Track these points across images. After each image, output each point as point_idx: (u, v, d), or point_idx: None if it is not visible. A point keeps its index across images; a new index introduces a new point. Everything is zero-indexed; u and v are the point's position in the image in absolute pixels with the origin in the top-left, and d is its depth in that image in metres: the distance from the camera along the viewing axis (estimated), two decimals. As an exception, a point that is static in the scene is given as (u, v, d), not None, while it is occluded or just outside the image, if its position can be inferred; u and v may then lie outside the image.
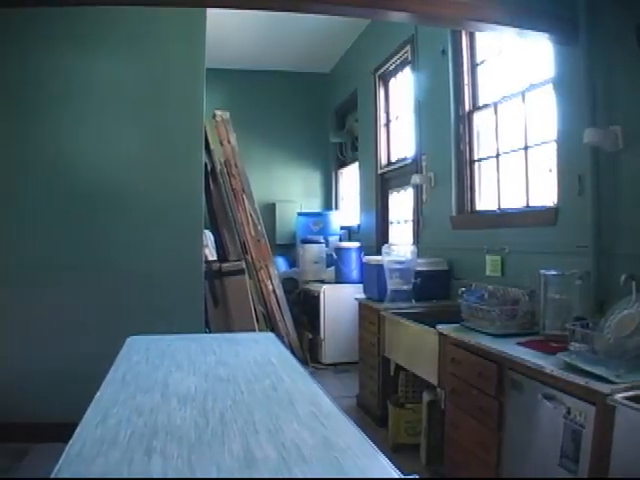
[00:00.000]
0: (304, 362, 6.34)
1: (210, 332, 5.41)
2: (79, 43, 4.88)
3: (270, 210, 9.27)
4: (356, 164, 8.39)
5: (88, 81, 4.87)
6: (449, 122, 5.15)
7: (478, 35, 4.96)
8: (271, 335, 3.28)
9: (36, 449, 4.63)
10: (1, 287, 4.82)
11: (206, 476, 1.35)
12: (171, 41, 4.92)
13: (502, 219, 4.42)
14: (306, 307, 7.44)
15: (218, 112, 6.69)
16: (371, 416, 5.00)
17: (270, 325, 6.36)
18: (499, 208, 4.56)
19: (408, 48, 6.20)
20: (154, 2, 3.76)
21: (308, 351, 6.99)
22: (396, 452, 4.20)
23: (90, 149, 4.86)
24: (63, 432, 4.26)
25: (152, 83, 4.91)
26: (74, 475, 1.38)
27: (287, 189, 9.58)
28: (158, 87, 4.91)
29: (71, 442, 1.58)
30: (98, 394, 2.03)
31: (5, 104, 4.88)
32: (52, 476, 1.37)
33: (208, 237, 6.26)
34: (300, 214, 8.94)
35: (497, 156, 4.63)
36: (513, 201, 4.39)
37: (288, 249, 9.15)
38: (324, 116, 9.63)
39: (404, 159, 6.44)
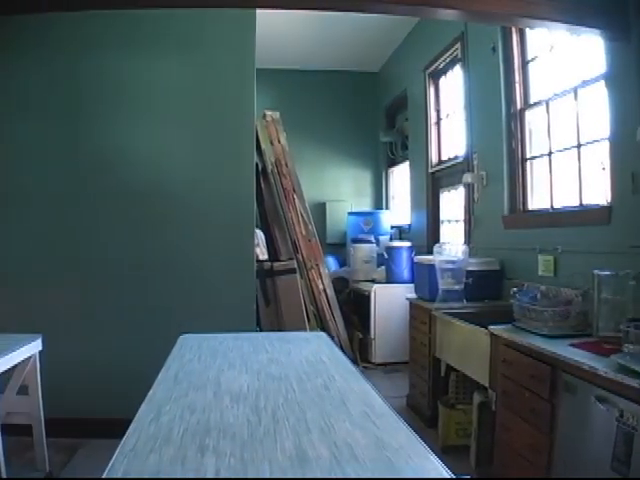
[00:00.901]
0: (354, 361, 6.34)
1: (261, 331, 5.44)
2: (134, 46, 4.95)
3: (320, 209, 9.29)
4: (406, 163, 8.35)
5: (142, 83, 4.94)
6: (500, 120, 5.09)
7: (528, 31, 4.89)
8: (322, 334, 3.28)
9: (88, 444, 4.72)
10: (60, 287, 4.92)
11: (259, 473, 1.36)
12: (222, 42, 4.95)
13: (554, 218, 4.35)
14: (356, 306, 7.43)
15: (268, 112, 6.72)
16: (421, 417, 4.98)
17: (320, 324, 6.37)
18: (552, 207, 4.50)
19: (458, 46, 6.15)
20: (206, 3, 3.78)
21: (358, 351, 6.98)
22: (445, 453, 4.17)
23: (144, 151, 4.93)
24: (114, 428, 4.33)
25: (204, 84, 4.95)
26: (128, 470, 1.41)
27: (337, 188, 9.58)
28: (210, 88, 4.95)
29: (125, 438, 1.62)
30: (151, 392, 2.06)
31: (63, 106, 4.98)
32: (106, 470, 1.41)
33: (259, 236, 6.29)
34: (351, 213, 8.93)
35: (549, 154, 4.56)
36: (566, 200, 4.33)
37: (338, 248, 9.15)
38: (374, 115, 9.60)
39: (455, 158, 6.39)
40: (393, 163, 9.24)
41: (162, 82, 4.95)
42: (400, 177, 9.00)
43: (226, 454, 1.47)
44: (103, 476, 1.39)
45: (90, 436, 4.78)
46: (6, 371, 3.44)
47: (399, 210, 8.88)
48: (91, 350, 4.88)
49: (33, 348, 3.82)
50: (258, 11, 4.92)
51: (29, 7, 3.30)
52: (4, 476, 3.35)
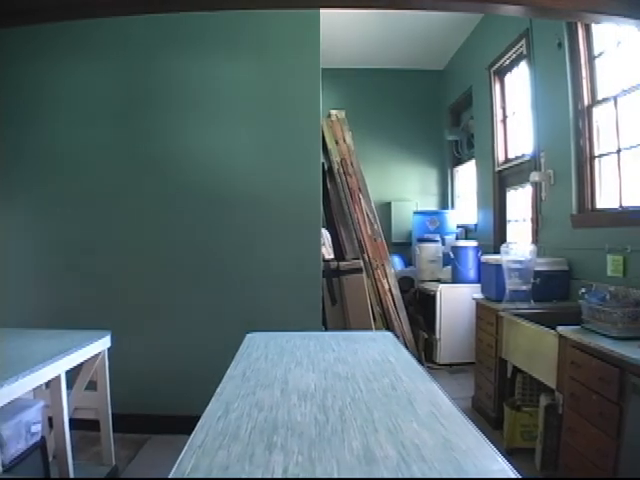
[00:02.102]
0: (419, 362, 6.31)
1: (327, 330, 5.46)
2: (201, 48, 5.04)
3: (386, 209, 9.27)
4: (472, 162, 8.27)
5: (209, 84, 5.02)
6: (567, 117, 5.01)
7: (595, 26, 4.80)
8: (389, 334, 3.28)
9: (153, 440, 4.82)
10: (129, 285, 5.03)
11: (326, 472, 1.38)
12: (287, 43, 4.99)
13: (624, 217, 4.26)
14: (422, 306, 7.39)
15: (333, 112, 6.74)
16: (486, 418, 4.94)
17: (386, 324, 6.36)
18: (620, 206, 4.41)
19: (523, 42, 6.07)
20: (273, 5, 3.80)
21: (423, 351, 6.95)
22: (510, 456, 4.13)
23: (212, 152, 5.01)
24: (179, 424, 4.43)
25: (270, 85, 5.01)
26: (196, 465, 1.44)
27: (403, 187, 9.54)
28: (276, 89, 5.00)
29: (193, 434, 1.65)
30: (219, 389, 2.10)
31: (133, 107, 5.09)
32: (175, 466, 1.46)
33: (325, 236, 6.32)
34: (416, 212, 8.88)
35: (618, 151, 4.47)
36: (635, 199, 4.24)
37: (404, 248, 9.11)
38: (439, 113, 9.53)
39: (522, 156, 6.30)
40: (459, 162, 9.15)
41: (229, 83, 5.02)
42: (466, 176, 8.91)
43: (294, 452, 1.49)
44: (172, 472, 1.43)
45: (155, 432, 4.89)
46: (75, 367, 3.54)
47: (465, 209, 8.79)
48: (158, 348, 4.99)
49: (102, 345, 3.91)
50: (322, 11, 4.94)
51: (86, 13, 3.38)
52: (71, 469, 3.43)
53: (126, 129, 5.11)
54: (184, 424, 4.48)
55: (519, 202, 6.66)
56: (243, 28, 4.98)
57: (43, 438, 3.60)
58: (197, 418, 1.81)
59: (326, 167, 6.26)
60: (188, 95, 5.05)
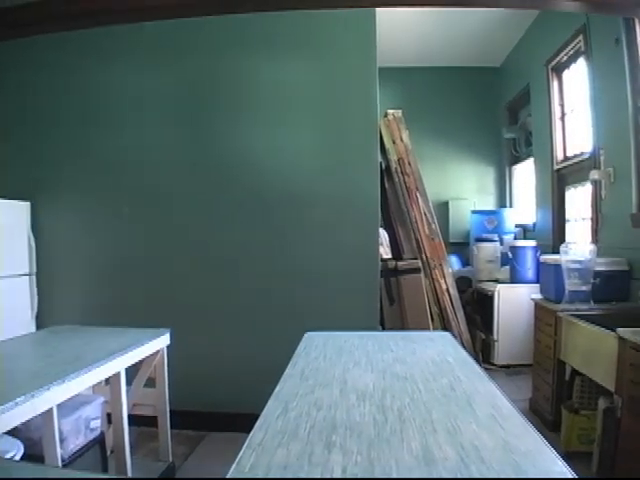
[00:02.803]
0: (477, 362, 6.26)
1: (384, 330, 5.45)
2: (258, 49, 5.07)
3: (443, 208, 9.20)
4: (530, 160, 8.17)
5: (264, 84, 5.05)
6: (627, 114, 4.92)
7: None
8: (447, 334, 3.26)
9: (210, 437, 4.88)
10: (189, 284, 5.10)
11: (385, 473, 1.38)
12: (344, 42, 4.99)
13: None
14: (479, 307, 7.33)
15: (390, 110, 6.72)
16: (543, 421, 4.87)
17: (443, 324, 6.33)
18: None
19: (580, 38, 5.96)
20: (327, 4, 3.81)
21: (480, 351, 6.89)
22: (567, 459, 4.06)
23: (268, 151, 5.04)
24: (235, 422, 4.46)
25: (326, 85, 5.02)
26: (255, 463, 1.45)
27: (460, 186, 9.46)
28: (332, 89, 5.01)
29: (253, 432, 1.66)
30: (278, 387, 2.11)
31: (191, 109, 5.16)
32: (234, 463, 1.47)
33: (383, 235, 6.31)
34: (474, 212, 8.81)
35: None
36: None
37: (461, 247, 9.04)
38: (496, 111, 9.42)
39: (581, 154, 6.21)
40: (517, 160, 9.04)
41: (286, 83, 5.04)
42: (524, 174, 8.80)
43: (353, 452, 1.49)
44: (231, 469, 1.44)
45: (212, 429, 4.96)
46: (135, 364, 3.60)
47: (523, 208, 8.68)
48: (217, 346, 5.05)
49: (161, 342, 3.98)
50: (378, 10, 4.93)
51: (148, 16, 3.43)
52: (128, 465, 3.48)
53: (186, 130, 5.19)
54: (240, 422, 4.51)
55: (578, 201, 6.55)
56: (301, 29, 5.00)
57: (102, 433, 3.68)
58: (253, 416, 1.82)
59: (384, 166, 6.25)
60: (247, 97, 5.10)
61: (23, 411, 2.33)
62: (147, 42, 5.23)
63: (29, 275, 5.43)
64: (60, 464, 2.88)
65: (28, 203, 5.45)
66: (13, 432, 2.74)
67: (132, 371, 3.72)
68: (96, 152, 5.38)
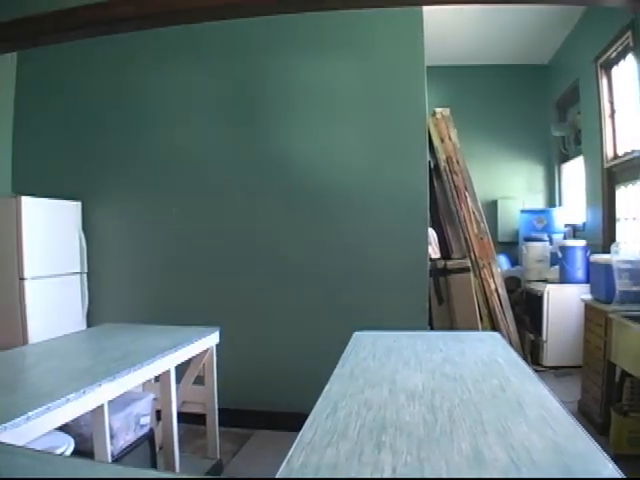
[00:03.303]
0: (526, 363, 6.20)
1: (433, 329, 5.43)
2: (306, 48, 5.10)
3: (492, 207, 9.12)
4: (580, 158, 8.05)
5: (312, 84, 5.07)
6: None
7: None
8: (496, 334, 3.24)
9: (257, 435, 4.91)
10: (239, 284, 5.14)
11: (434, 473, 1.37)
12: (391, 41, 4.98)
13: None
14: (528, 307, 7.26)
15: (438, 109, 6.69)
16: (592, 423, 4.79)
17: (492, 324, 6.27)
18: None
19: (629, 34, 5.85)
20: (374, 4, 3.79)
21: (529, 352, 6.82)
22: (616, 462, 4.00)
23: (316, 151, 5.06)
24: (283, 421, 4.48)
25: (374, 84, 5.01)
26: (305, 462, 1.46)
27: (509, 185, 9.36)
28: (380, 88, 5.00)
29: (302, 431, 1.67)
30: (327, 387, 2.12)
31: (241, 107, 5.20)
32: (284, 462, 1.47)
33: (431, 235, 6.28)
34: (523, 211, 8.72)
35: None
36: None
37: (510, 247, 8.95)
38: (544, 109, 9.29)
39: (632, 152, 6.10)
40: (566, 158, 8.92)
41: (333, 83, 5.05)
42: (574, 173, 8.68)
43: (403, 452, 1.49)
44: (281, 468, 1.45)
45: (259, 427, 4.99)
46: (184, 362, 3.64)
47: (573, 207, 8.56)
48: (266, 345, 5.08)
49: (211, 341, 4.02)
50: (425, 8, 4.91)
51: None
52: (177, 461, 3.52)
53: (234, 130, 5.24)
54: (288, 421, 4.53)
55: (629, 200, 6.44)
56: (348, 28, 5.00)
57: (151, 430, 3.72)
58: (300, 415, 1.83)
59: (432, 165, 6.22)
60: (295, 96, 5.12)
61: (74, 407, 2.37)
62: (195, 43, 5.28)
63: (80, 274, 5.53)
64: (110, 460, 2.92)
65: (79, 203, 5.54)
66: (64, 428, 2.78)
67: (181, 369, 3.76)
68: (145, 152, 5.46)
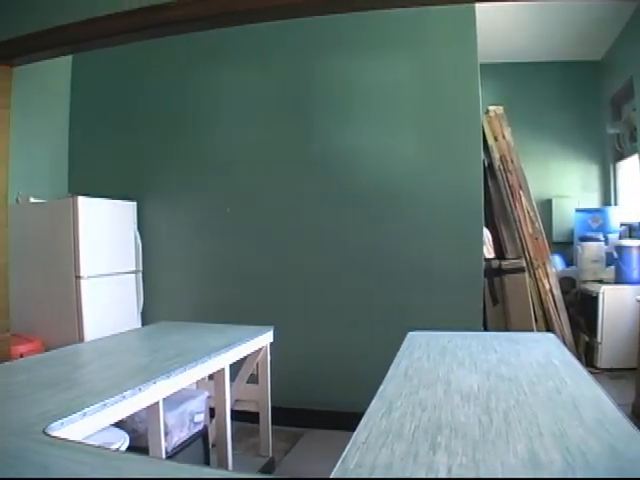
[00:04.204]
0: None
1: (486, 330, 5.39)
2: (358, 47, 5.11)
3: (546, 206, 9.00)
4: (635, 156, 7.90)
5: (364, 84, 5.07)
6: None
7: None
8: (551, 336, 3.19)
9: (309, 434, 4.92)
10: (292, 283, 5.17)
11: (489, 475, 1.36)
12: (443, 39, 4.95)
13: None
14: (583, 308, 7.15)
15: (491, 107, 6.63)
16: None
17: (546, 325, 6.20)
18: None
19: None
20: (425, 2, 3.77)
21: (584, 354, 6.72)
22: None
23: (368, 150, 5.05)
24: (335, 420, 4.47)
25: (427, 82, 4.99)
26: (360, 462, 1.45)
27: (563, 184, 9.22)
28: (433, 86, 4.98)
29: (357, 431, 1.67)
30: (382, 387, 2.12)
31: (293, 107, 5.24)
32: (339, 461, 1.46)
33: (485, 234, 6.23)
34: (578, 210, 8.58)
35: None
36: None
37: (565, 247, 8.83)
38: (598, 106, 9.14)
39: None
40: (621, 156, 8.76)
41: (386, 83, 5.04)
42: (629, 171, 8.52)
43: (458, 453, 1.48)
44: (336, 467, 1.44)
45: (311, 426, 5.00)
46: (238, 360, 3.67)
47: (629, 206, 8.40)
48: (319, 344, 5.09)
49: (265, 340, 4.05)
50: (477, 5, 4.86)
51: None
52: (230, 458, 3.54)
53: (288, 130, 5.26)
54: (340, 420, 4.54)
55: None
56: (399, 27, 4.99)
57: (205, 427, 3.76)
58: (353, 414, 1.83)
59: (487, 164, 6.16)
60: (346, 95, 5.13)
61: (130, 404, 2.39)
62: (250, 43, 5.31)
63: (135, 272, 5.61)
64: (164, 456, 2.95)
65: (134, 203, 5.62)
66: (119, 424, 2.83)
67: (235, 367, 3.78)
68: (199, 153, 5.52)
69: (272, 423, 4.23)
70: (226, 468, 3.46)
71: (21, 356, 4.38)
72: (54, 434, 1.83)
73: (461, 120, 4.89)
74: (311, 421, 5.05)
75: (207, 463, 3.80)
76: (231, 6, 3.21)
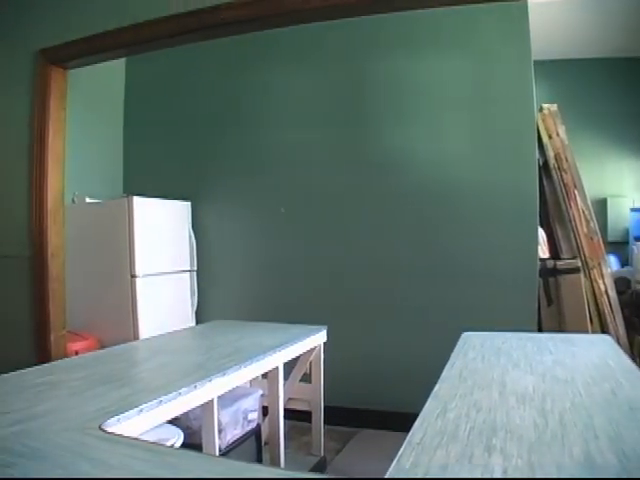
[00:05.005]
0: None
1: (540, 331, 5.34)
2: (406, 47, 5.08)
3: (601, 206, 8.86)
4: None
5: (417, 82, 5.06)
6: None
7: None
8: (607, 337, 3.15)
9: (361, 434, 4.93)
10: (345, 283, 5.18)
11: (546, 477, 1.34)
12: (495, 36, 4.90)
13: None
14: (639, 309, 7.03)
15: (545, 105, 6.55)
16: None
17: (601, 326, 6.11)
18: None
19: None
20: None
21: (639, 356, 6.61)
22: None
23: (421, 149, 5.05)
24: (386, 420, 4.46)
25: (479, 81, 4.95)
26: (416, 462, 1.45)
27: (618, 183, 9.05)
28: (486, 84, 4.94)
29: (412, 431, 1.66)
30: (437, 387, 2.11)
31: (349, 108, 5.25)
32: (394, 461, 1.46)
33: (540, 234, 6.16)
34: (633, 210, 8.45)
35: None
36: None
37: (620, 247, 8.68)
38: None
39: None
40: (677, 154, 8.61)
41: (438, 80, 5.02)
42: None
43: (513, 455, 1.47)
44: (391, 467, 1.44)
45: (363, 426, 5.00)
46: (292, 359, 3.69)
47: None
48: (372, 344, 5.10)
49: (318, 339, 4.06)
50: (530, 1, 4.81)
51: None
52: (282, 456, 3.56)
53: (341, 130, 5.28)
54: (392, 420, 4.55)
55: None
56: (450, 25, 4.96)
57: (258, 425, 3.79)
58: (405, 415, 1.83)
59: (541, 163, 6.10)
60: (397, 95, 5.12)
61: (185, 401, 2.42)
62: (304, 43, 5.34)
63: (190, 271, 5.67)
64: (217, 453, 2.99)
65: (189, 202, 5.68)
66: (173, 421, 2.86)
67: (288, 366, 3.81)
68: (253, 153, 5.57)
69: (324, 422, 4.25)
70: (278, 466, 3.48)
71: (76, 353, 4.46)
72: (110, 430, 1.87)
73: (515, 119, 4.84)
74: (363, 421, 5.06)
75: (259, 461, 3.84)
76: (279, 7, 3.24)
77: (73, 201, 5.37)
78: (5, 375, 2.62)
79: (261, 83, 5.62)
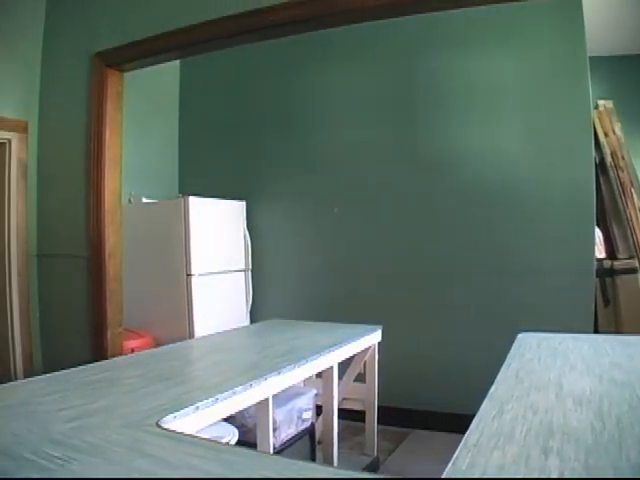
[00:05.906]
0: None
1: (598, 332, 5.26)
2: (462, 45, 5.05)
3: (659, 206, 8.68)
4: None
5: (470, 81, 5.02)
6: None
7: None
8: (665, 339, 3.10)
9: (414, 434, 4.90)
10: (401, 283, 5.19)
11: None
12: (548, 33, 4.82)
13: None
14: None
15: (601, 101, 6.44)
16: None
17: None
18: None
19: None
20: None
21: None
22: None
23: (475, 148, 5.00)
24: (439, 421, 4.44)
25: (533, 79, 4.88)
26: (472, 463, 1.44)
27: (676, 182, 8.89)
28: (540, 83, 4.85)
29: (468, 432, 1.65)
30: (493, 388, 2.09)
31: (402, 108, 5.25)
32: (450, 462, 1.45)
33: (597, 234, 6.07)
34: (692, 209, 8.26)
35: None
36: None
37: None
38: None
39: None
40: None
41: (493, 80, 4.97)
42: None
43: (570, 458, 1.45)
44: (447, 468, 1.43)
45: (417, 427, 4.98)
46: (346, 358, 3.69)
47: None
48: (426, 345, 5.08)
49: (373, 339, 4.07)
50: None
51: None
52: (335, 456, 3.57)
53: (394, 130, 5.28)
54: (445, 421, 4.53)
55: None
56: (502, 23, 4.91)
57: (312, 425, 3.80)
58: (458, 416, 1.83)
59: (598, 161, 6.00)
60: (452, 94, 5.09)
61: (241, 400, 2.44)
62: (355, 44, 5.35)
63: (245, 271, 5.71)
64: (272, 451, 3.01)
65: (244, 202, 5.73)
66: (229, 418, 2.90)
67: (343, 366, 3.81)
68: (307, 153, 5.59)
69: (378, 422, 4.25)
70: (331, 465, 3.49)
71: (132, 351, 4.53)
72: (167, 427, 1.90)
73: (571, 116, 4.76)
74: (416, 421, 5.04)
75: (313, 460, 3.86)
76: (333, 7, 3.25)
77: (130, 201, 5.46)
78: (63, 371, 2.68)
79: (314, 83, 5.65)
